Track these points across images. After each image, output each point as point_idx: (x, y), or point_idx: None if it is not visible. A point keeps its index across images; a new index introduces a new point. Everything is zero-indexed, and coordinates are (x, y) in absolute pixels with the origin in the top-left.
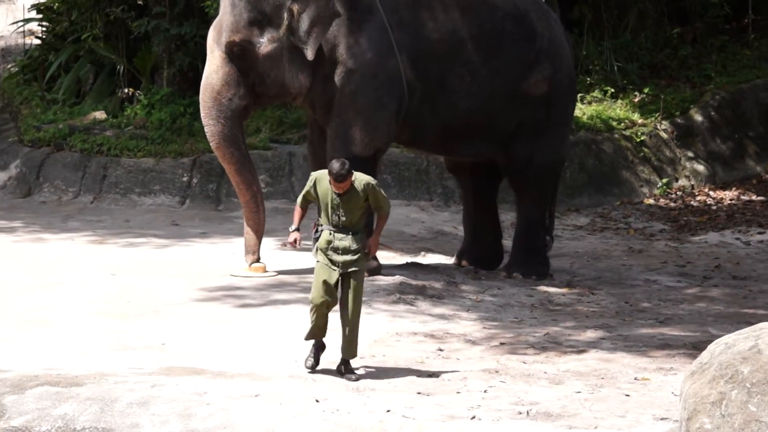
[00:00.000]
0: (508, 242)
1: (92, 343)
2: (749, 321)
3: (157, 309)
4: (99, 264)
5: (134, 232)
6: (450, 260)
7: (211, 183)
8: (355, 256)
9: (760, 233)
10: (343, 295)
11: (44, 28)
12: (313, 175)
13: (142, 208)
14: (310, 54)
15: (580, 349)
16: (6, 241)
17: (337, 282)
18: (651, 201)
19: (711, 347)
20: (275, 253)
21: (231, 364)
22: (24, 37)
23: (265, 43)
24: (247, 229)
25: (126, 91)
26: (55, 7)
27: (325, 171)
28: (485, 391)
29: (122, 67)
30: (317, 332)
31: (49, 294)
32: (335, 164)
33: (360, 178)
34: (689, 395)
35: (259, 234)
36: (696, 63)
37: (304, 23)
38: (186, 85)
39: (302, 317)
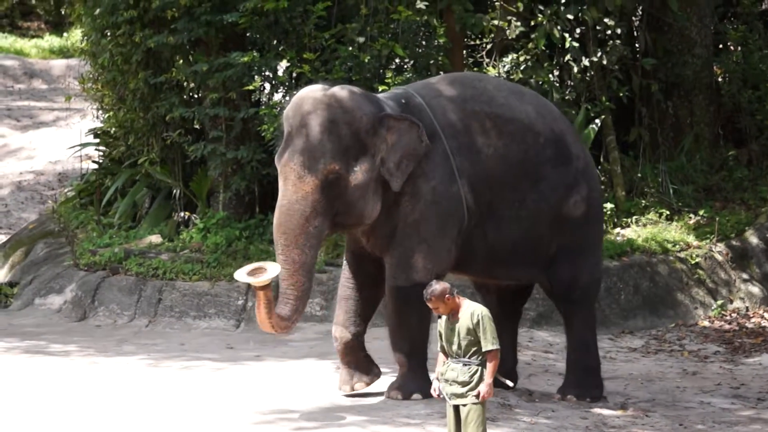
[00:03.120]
0: (561, 363)
1: None
2: None
3: None
4: (154, 387)
5: (189, 355)
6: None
7: None
8: (463, 389)
9: None
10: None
11: (101, 153)
12: None
13: (197, 332)
14: (397, 186)
15: None
16: (61, 365)
17: (456, 414)
18: (706, 323)
19: None
20: (332, 375)
21: None
22: (81, 161)
23: (358, 172)
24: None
25: (182, 215)
26: (111, 132)
27: None
28: None
29: (178, 191)
30: None
31: (102, 417)
32: (431, 283)
33: (470, 307)
34: None
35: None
36: (751, 185)
37: (396, 154)
38: (242, 209)
39: None
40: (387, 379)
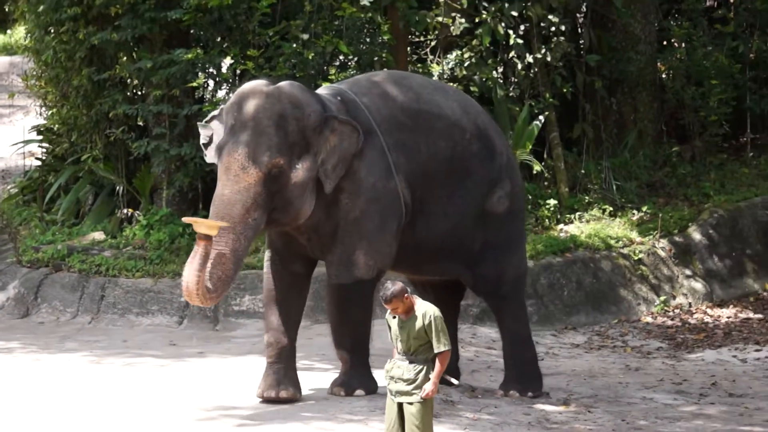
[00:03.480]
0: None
1: None
2: None
3: (154, 429)
4: (96, 384)
5: (132, 352)
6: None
7: None
8: (409, 386)
9: (756, 350)
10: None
11: (44, 150)
12: None
13: (140, 328)
14: (329, 188)
15: None
16: (3, 362)
17: (400, 411)
18: (648, 319)
19: None
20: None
21: None
22: (24, 158)
23: (300, 170)
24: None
25: (125, 211)
26: (55, 129)
27: None
28: None
29: (122, 188)
30: None
31: (45, 414)
32: (386, 285)
33: (422, 307)
34: None
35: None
36: (694, 181)
37: (334, 157)
38: (185, 206)
39: None
40: (330, 375)
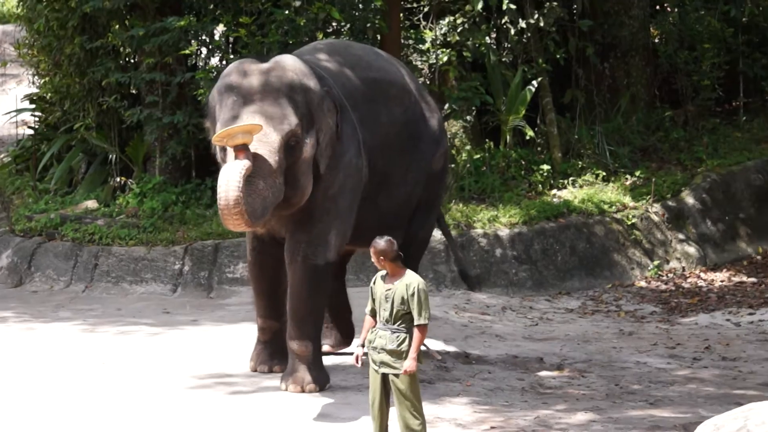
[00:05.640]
0: (498, 325)
1: None
2: (739, 402)
3: (148, 397)
4: (89, 353)
5: (126, 320)
6: (441, 346)
7: (202, 271)
8: (393, 358)
9: (750, 314)
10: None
11: (37, 118)
12: (377, 275)
13: (134, 297)
14: (324, 168)
15: None
16: None
17: (383, 382)
18: (642, 283)
19: (701, 428)
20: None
21: None
22: (16, 127)
23: (308, 145)
24: None
25: (118, 180)
26: (47, 97)
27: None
28: None
29: (114, 156)
30: None
31: (37, 383)
32: (380, 240)
33: (410, 276)
34: None
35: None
36: (687, 146)
37: (327, 136)
38: (178, 174)
39: (292, 404)
40: None
